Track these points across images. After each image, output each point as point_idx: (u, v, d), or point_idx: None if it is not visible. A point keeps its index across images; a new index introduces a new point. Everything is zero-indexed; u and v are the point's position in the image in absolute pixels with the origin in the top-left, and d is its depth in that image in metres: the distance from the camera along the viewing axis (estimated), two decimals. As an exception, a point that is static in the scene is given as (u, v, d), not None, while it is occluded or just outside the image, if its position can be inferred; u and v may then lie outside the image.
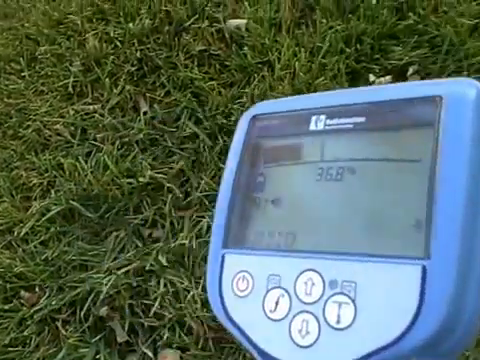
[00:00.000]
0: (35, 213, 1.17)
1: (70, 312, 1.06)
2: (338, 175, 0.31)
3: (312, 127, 0.32)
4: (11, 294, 1.10)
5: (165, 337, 1.00)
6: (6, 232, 1.18)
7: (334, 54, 1.23)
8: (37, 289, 1.09)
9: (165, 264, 1.05)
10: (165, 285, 1.04)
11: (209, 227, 1.10)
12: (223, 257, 0.32)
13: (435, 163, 0.27)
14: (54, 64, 1.40)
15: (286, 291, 0.30)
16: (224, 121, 1.20)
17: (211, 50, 1.33)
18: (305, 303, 0.29)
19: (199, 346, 0.99)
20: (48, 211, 1.17)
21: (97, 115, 1.29)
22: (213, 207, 1.12)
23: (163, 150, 1.22)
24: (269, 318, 0.30)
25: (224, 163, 1.24)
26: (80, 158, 1.22)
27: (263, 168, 0.34)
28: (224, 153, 1.19)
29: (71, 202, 1.15)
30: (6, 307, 1.08)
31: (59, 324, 1.05)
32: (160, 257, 1.06)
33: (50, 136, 1.30)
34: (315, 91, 1.18)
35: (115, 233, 1.13)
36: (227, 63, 1.29)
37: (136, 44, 1.36)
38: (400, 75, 1.20)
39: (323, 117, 0.32)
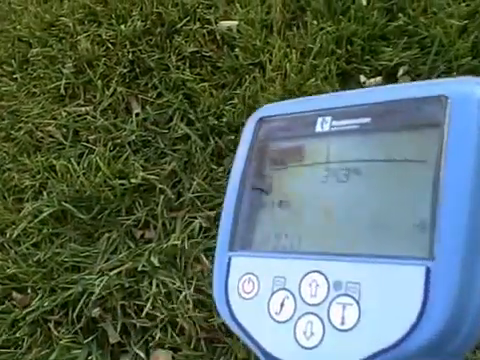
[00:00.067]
0: (27, 215, 1.17)
1: (62, 313, 1.06)
2: (344, 176, 0.31)
3: (318, 129, 0.32)
4: (3, 296, 1.10)
5: (157, 337, 1.00)
6: (-2, 234, 1.18)
7: (325, 55, 1.23)
8: (29, 291, 1.09)
9: (157, 265, 1.06)
10: (157, 286, 1.04)
11: (201, 228, 1.10)
12: (229, 260, 0.33)
13: (440, 163, 0.27)
14: (46, 66, 1.40)
15: (291, 293, 0.30)
16: (216, 122, 1.21)
17: (203, 52, 1.33)
18: (310, 304, 0.29)
19: (191, 346, 0.99)
20: (40, 213, 1.17)
21: (89, 117, 1.29)
22: (205, 208, 1.13)
23: (155, 151, 1.22)
24: (274, 320, 0.30)
25: (216, 164, 1.24)
26: (72, 160, 1.22)
27: (270, 170, 0.34)
28: (216, 154, 1.19)
29: (63, 204, 1.15)
30: (-2, 309, 1.08)
31: (51, 325, 1.05)
32: (152, 258, 1.07)
33: (42, 138, 1.30)
34: (306, 92, 1.18)
35: (107, 234, 1.13)
36: (219, 64, 1.30)
37: (128, 46, 1.37)
38: (390, 76, 1.21)
39: (329, 118, 0.32)
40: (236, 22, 1.34)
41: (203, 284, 1.03)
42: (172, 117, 1.25)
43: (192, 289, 1.02)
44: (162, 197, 1.14)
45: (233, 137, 1.19)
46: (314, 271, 0.29)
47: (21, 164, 1.27)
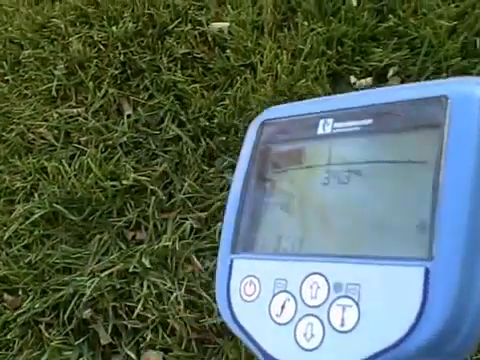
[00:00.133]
0: (18, 216, 1.17)
1: (53, 315, 1.06)
2: (345, 178, 0.31)
3: (320, 131, 0.33)
4: (-6, 298, 1.10)
5: (148, 338, 1.00)
6: (-11, 236, 1.18)
7: (316, 56, 1.24)
8: (20, 292, 1.09)
9: (148, 266, 1.06)
10: (148, 287, 1.04)
11: (192, 229, 1.10)
12: (231, 262, 0.33)
13: (440, 164, 0.27)
14: (38, 68, 1.40)
15: (292, 295, 0.30)
16: (207, 123, 1.21)
17: (194, 53, 1.33)
18: (310, 306, 0.29)
19: (182, 347, 0.99)
20: (32, 214, 1.17)
21: (81, 118, 1.29)
22: (196, 209, 1.13)
23: (146, 153, 1.23)
24: (275, 322, 0.30)
25: (207, 165, 1.24)
26: (64, 161, 1.22)
27: (272, 173, 0.34)
28: (207, 155, 1.19)
29: (55, 205, 1.16)
30: (-11, 311, 1.08)
31: (42, 327, 1.05)
32: (143, 259, 1.07)
33: (34, 139, 1.30)
34: (297, 93, 1.19)
35: (98, 236, 1.13)
36: (210, 66, 1.30)
37: (120, 47, 1.37)
38: (380, 77, 1.22)
39: (331, 120, 0.32)
40: (227, 23, 1.34)
41: (194, 285, 1.03)
42: (163, 118, 1.25)
43: (183, 290, 1.03)
44: (153, 198, 1.14)
45: (224, 138, 1.19)
46: (315, 273, 0.29)
47: (12, 166, 1.27)
